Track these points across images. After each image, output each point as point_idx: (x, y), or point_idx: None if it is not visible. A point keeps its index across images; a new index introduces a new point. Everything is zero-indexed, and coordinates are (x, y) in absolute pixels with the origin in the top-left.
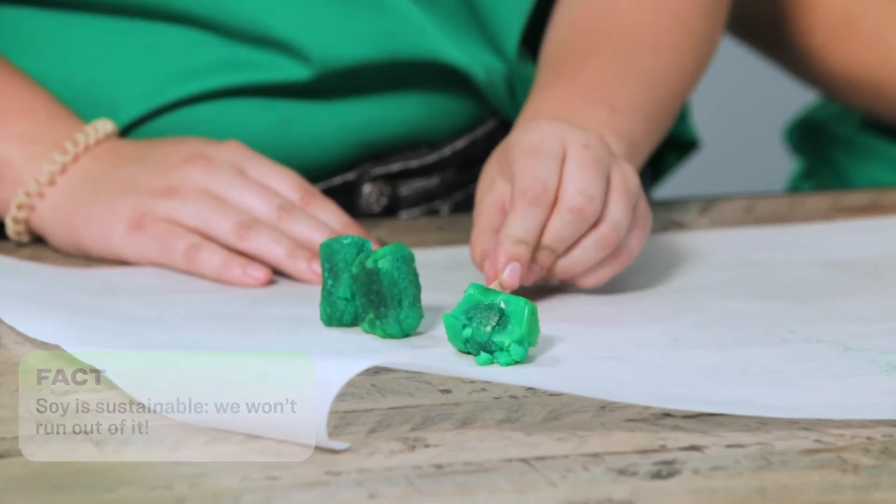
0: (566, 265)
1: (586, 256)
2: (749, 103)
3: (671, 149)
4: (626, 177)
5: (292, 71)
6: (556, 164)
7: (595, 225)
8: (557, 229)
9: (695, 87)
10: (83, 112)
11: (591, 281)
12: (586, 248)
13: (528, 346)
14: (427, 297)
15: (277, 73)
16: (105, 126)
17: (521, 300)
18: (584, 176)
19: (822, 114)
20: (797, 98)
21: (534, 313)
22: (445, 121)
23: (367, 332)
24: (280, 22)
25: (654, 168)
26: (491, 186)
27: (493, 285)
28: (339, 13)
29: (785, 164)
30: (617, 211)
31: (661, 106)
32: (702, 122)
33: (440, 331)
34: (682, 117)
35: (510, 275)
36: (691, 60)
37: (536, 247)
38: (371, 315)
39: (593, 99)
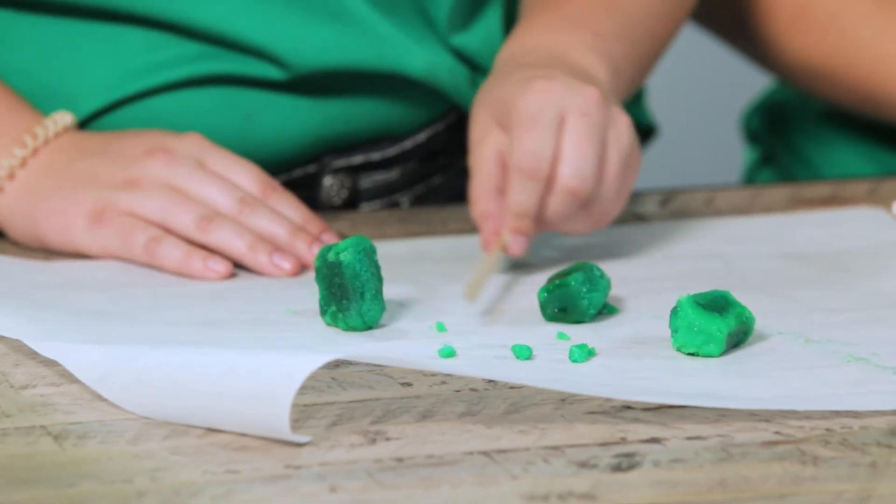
0: (554, 229)
1: (575, 227)
2: (707, 91)
3: None
4: (621, 137)
5: (266, 71)
6: (553, 135)
7: (588, 201)
8: (555, 208)
9: (675, 35)
10: (42, 104)
11: (570, 233)
12: (575, 221)
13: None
14: (388, 290)
15: (249, 68)
16: (64, 118)
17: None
18: (580, 155)
19: (781, 97)
20: (756, 86)
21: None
22: (407, 117)
23: (329, 324)
24: (246, 27)
25: None
26: (486, 135)
27: (490, 252)
28: (301, 20)
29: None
30: (608, 184)
31: (643, 43)
32: (660, 112)
33: (402, 323)
34: (638, 104)
35: (517, 247)
36: (670, 5)
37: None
38: (333, 308)
39: (578, 24)
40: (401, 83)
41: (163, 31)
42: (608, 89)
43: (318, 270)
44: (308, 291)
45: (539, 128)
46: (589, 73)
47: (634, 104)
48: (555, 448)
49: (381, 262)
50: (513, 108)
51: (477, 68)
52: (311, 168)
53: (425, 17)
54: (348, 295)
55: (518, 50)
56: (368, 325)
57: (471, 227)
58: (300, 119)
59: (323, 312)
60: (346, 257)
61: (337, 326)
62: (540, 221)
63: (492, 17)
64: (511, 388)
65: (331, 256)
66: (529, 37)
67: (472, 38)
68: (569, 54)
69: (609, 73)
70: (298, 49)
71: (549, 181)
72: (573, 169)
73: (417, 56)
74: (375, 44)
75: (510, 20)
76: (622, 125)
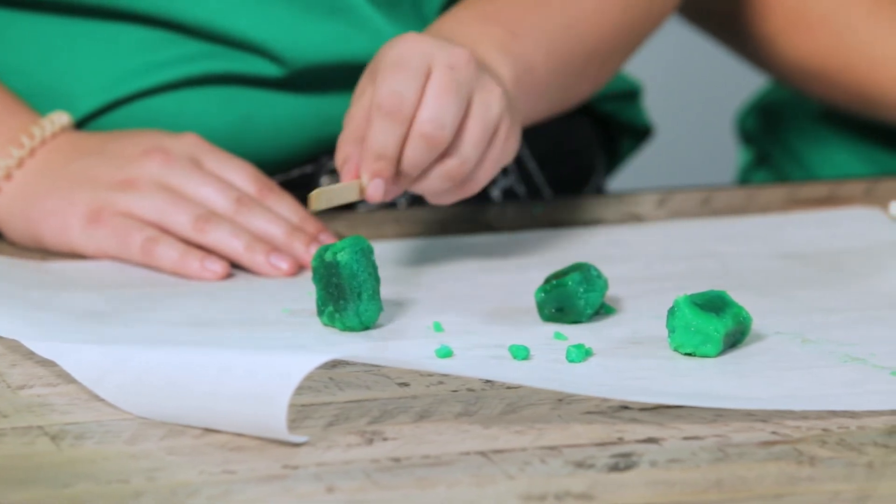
0: (416, 189)
1: (432, 186)
2: (703, 92)
3: (626, 136)
4: (489, 104)
5: (262, 68)
6: (417, 80)
7: (445, 154)
8: (409, 154)
9: (635, 43)
10: (39, 104)
11: (436, 202)
12: (432, 179)
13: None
14: (385, 290)
15: (246, 66)
16: (61, 118)
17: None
18: (439, 102)
19: (777, 97)
20: (751, 86)
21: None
22: None
23: (326, 325)
24: (244, 23)
25: (611, 156)
26: (361, 95)
27: (348, 183)
28: (299, 16)
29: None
30: (468, 143)
31: (576, 47)
32: (656, 112)
33: (399, 323)
34: (635, 104)
35: (374, 190)
36: (619, 13)
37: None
38: (330, 308)
39: (494, 21)
40: None
41: (160, 29)
42: (508, 86)
43: (315, 270)
44: (305, 291)
45: (403, 71)
46: (488, 68)
47: (630, 104)
48: (552, 448)
49: (378, 263)
50: (381, 57)
51: None
52: (308, 168)
53: (419, 12)
54: (345, 295)
55: None
56: (366, 326)
57: (468, 228)
58: (297, 118)
59: (320, 313)
60: (343, 257)
61: (334, 327)
62: (400, 173)
63: None
64: (508, 388)
65: (328, 256)
66: (441, 27)
67: None
68: (472, 47)
69: (516, 73)
70: (295, 44)
71: (408, 123)
72: (430, 115)
73: None
74: (371, 39)
75: None
76: (493, 92)
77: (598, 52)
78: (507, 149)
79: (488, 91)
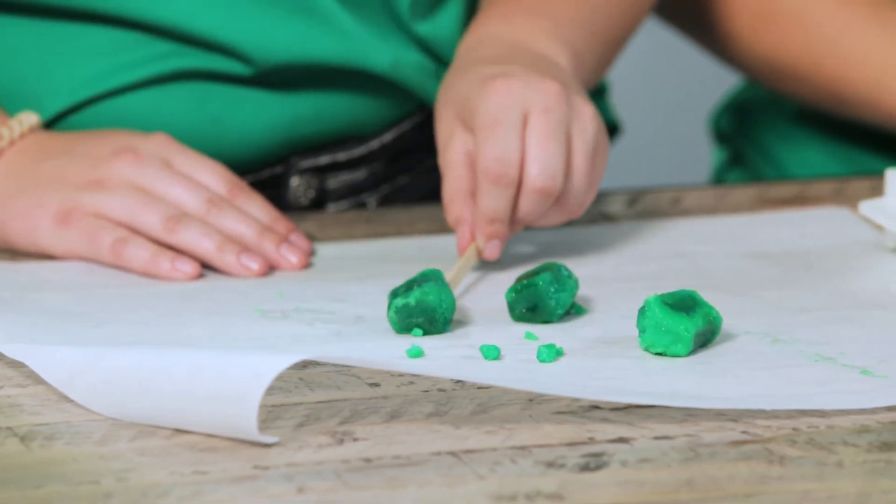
0: (531, 226)
1: (548, 222)
2: (675, 90)
3: None
4: (586, 129)
5: (231, 67)
6: (517, 135)
7: (559, 196)
8: (526, 209)
9: (639, 24)
10: (7, 105)
11: (543, 226)
12: (548, 216)
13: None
14: (356, 290)
15: (214, 65)
16: (30, 119)
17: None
18: (545, 153)
19: (750, 97)
20: (724, 85)
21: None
22: (374, 115)
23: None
24: (212, 22)
25: None
26: (452, 135)
27: (466, 254)
28: (267, 15)
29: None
30: (578, 178)
31: (604, 30)
32: (628, 111)
33: (369, 324)
34: (602, 101)
35: (492, 251)
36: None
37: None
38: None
39: (536, 13)
40: (366, 80)
41: (128, 29)
42: (570, 76)
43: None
44: (276, 292)
45: (502, 130)
46: (549, 60)
47: (597, 102)
48: (522, 448)
49: (348, 263)
50: (475, 110)
51: (442, 61)
52: (278, 168)
53: (390, 10)
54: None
55: (475, 41)
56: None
57: (438, 228)
58: (267, 118)
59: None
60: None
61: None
62: (513, 221)
63: (454, 7)
64: (479, 388)
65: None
66: (486, 27)
67: (435, 28)
68: (527, 42)
69: (570, 60)
70: (263, 44)
71: (518, 183)
72: (540, 168)
73: (382, 51)
74: (340, 38)
75: (474, 11)
76: (586, 115)
77: (617, 34)
78: (604, 157)
79: (582, 115)
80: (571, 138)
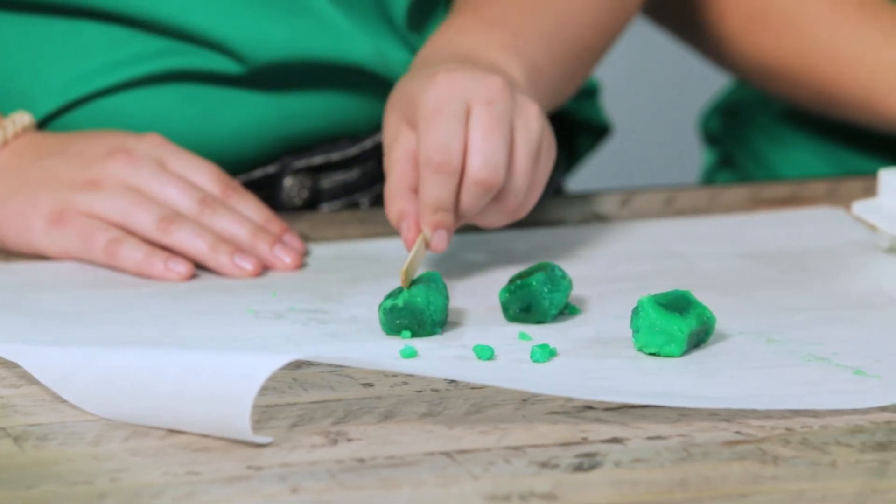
0: (471, 222)
1: (487, 220)
2: (666, 91)
3: (584, 134)
4: (530, 126)
5: (223, 65)
6: (459, 126)
7: (500, 192)
8: (467, 201)
9: (616, 34)
10: None
11: (487, 226)
12: (487, 214)
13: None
14: (350, 291)
15: (206, 64)
16: (23, 119)
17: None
18: (488, 145)
19: (740, 98)
20: (715, 86)
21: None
22: (367, 114)
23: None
24: (204, 20)
25: (569, 154)
26: (397, 136)
27: (414, 248)
28: (259, 13)
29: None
30: (519, 175)
31: (570, 42)
32: (619, 112)
33: (362, 324)
34: (593, 102)
35: (439, 242)
36: (605, 11)
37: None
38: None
39: (495, 24)
40: (359, 79)
41: (120, 26)
42: (520, 81)
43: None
44: (270, 292)
45: (444, 120)
46: (499, 69)
47: (588, 102)
48: (516, 448)
49: (342, 263)
50: (417, 103)
51: None
52: (271, 168)
53: (383, 12)
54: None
55: (430, 50)
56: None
57: None
58: (259, 117)
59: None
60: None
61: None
62: (457, 216)
63: (441, 18)
64: (472, 388)
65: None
66: (443, 37)
67: (426, 38)
68: (480, 53)
69: (525, 71)
70: (255, 42)
71: (458, 172)
72: (483, 160)
73: (373, 49)
74: (332, 37)
75: None
76: (531, 113)
77: (587, 49)
78: (549, 161)
79: (526, 112)
80: (514, 132)
